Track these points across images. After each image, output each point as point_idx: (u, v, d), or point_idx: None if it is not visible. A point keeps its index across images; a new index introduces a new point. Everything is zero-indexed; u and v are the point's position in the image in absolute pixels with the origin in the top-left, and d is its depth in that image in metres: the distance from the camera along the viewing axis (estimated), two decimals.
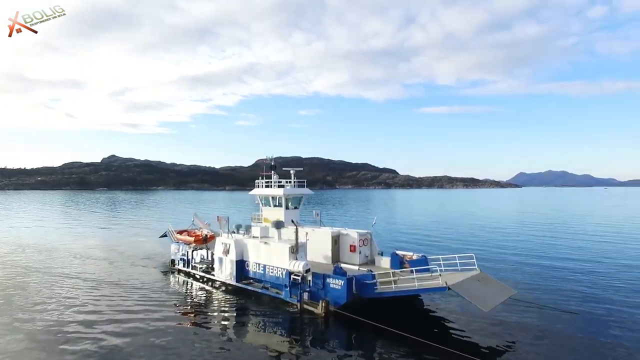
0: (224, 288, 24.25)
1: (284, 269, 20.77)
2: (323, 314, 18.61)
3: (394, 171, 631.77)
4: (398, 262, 22.50)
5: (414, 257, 22.58)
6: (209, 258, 26.54)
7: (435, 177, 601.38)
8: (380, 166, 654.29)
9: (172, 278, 27.53)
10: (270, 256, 21.64)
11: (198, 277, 26.80)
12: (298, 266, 19.60)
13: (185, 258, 27.77)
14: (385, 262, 23.47)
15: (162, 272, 29.17)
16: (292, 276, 20.04)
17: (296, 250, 20.65)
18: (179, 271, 28.51)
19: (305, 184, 30.97)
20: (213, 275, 25.53)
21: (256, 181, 32.75)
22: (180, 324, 18.50)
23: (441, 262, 20.73)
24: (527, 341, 16.42)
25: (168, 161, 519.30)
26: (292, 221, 21.73)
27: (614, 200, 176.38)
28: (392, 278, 18.12)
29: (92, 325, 17.85)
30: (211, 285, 25.10)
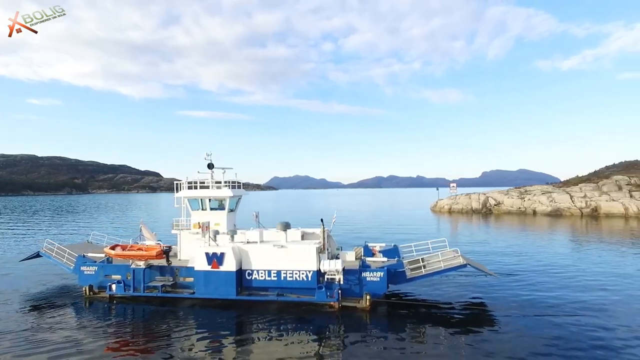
0: (207, 305, 20.54)
1: (310, 271, 20.06)
2: (368, 307, 19.50)
3: (157, 174, 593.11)
4: (370, 253, 25.08)
5: (377, 248, 25.63)
6: (169, 275, 21.63)
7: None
8: (142, 168, 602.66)
9: (101, 308, 20.73)
10: (290, 260, 20.28)
11: (145, 299, 21.33)
12: (336, 265, 19.56)
13: (131, 279, 21.26)
14: (350, 255, 25.45)
15: (71, 304, 21.32)
16: (327, 276, 19.77)
17: (323, 249, 20.32)
18: (111, 299, 21.56)
19: (242, 184, 29.11)
20: (185, 293, 21.19)
21: (177, 182, 28.64)
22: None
23: (413, 248, 24.77)
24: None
25: None
26: (321, 220, 20.97)
27: (349, 197, 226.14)
28: (421, 263, 20.95)
29: None
30: (185, 306, 20.71)
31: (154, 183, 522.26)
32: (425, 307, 20.37)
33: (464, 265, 20.83)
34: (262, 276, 20.61)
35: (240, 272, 20.64)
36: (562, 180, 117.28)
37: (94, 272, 22.38)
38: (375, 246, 25.90)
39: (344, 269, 19.93)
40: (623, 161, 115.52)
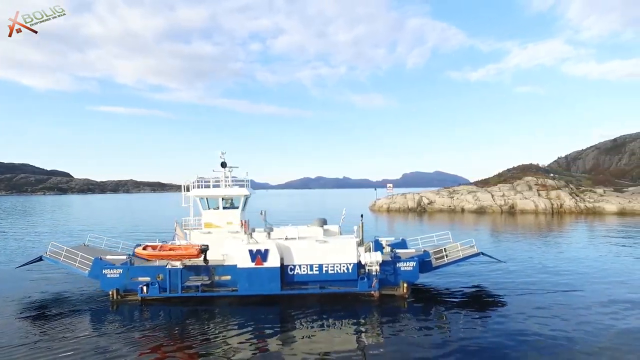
0: (245, 302, 20.74)
1: (350, 264, 21.28)
2: (405, 294, 21.30)
3: (67, 174, 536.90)
4: (380, 247, 26.97)
5: (384, 242, 27.60)
6: (205, 274, 21.34)
7: (120, 181, 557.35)
8: (48, 168, 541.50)
9: (133, 312, 19.85)
10: (332, 254, 21.28)
11: (178, 300, 20.85)
12: (377, 256, 21.04)
13: (163, 280, 20.48)
14: (360, 250, 27.16)
15: (95, 309, 20.05)
16: (367, 267, 21.15)
17: (362, 243, 21.61)
18: (143, 301, 20.61)
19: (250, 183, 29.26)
20: (225, 291, 21.14)
21: (186, 182, 28.12)
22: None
23: (419, 241, 27.17)
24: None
25: None
26: (361, 216, 22.07)
27: (280, 198, 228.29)
28: (444, 253, 23.28)
29: None
30: (222, 304, 20.68)
31: (64, 184, 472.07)
32: (448, 293, 22.81)
33: (478, 254, 23.66)
34: (304, 270, 21.36)
35: (282, 268, 21.20)
36: (471, 181, 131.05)
37: (118, 275, 21.23)
38: (383, 240, 27.89)
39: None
40: (520, 164, 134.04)
